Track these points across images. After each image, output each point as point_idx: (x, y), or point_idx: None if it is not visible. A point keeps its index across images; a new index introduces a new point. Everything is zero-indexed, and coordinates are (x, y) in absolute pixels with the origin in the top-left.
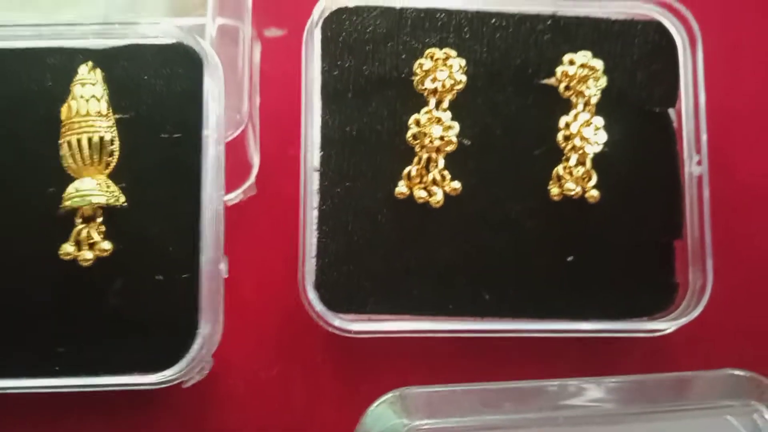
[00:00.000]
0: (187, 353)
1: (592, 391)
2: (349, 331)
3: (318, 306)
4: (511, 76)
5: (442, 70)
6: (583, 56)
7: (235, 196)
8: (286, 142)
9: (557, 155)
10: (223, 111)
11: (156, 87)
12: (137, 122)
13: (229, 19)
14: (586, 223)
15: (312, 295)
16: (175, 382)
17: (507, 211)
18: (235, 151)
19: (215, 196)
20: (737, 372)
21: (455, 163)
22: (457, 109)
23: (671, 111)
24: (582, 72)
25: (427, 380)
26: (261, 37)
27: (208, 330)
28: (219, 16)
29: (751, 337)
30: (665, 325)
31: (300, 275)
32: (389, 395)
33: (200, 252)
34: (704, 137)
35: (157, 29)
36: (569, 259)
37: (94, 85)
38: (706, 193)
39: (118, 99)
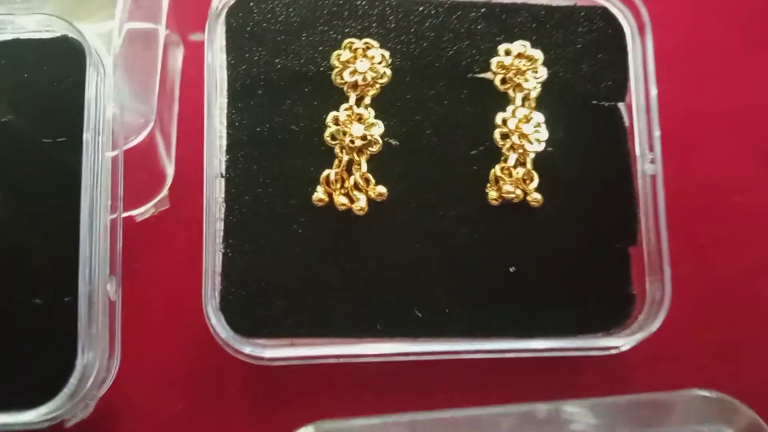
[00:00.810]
0: (65, 387)
1: (538, 419)
2: (263, 359)
3: (222, 331)
4: (442, 69)
5: (363, 62)
6: (521, 46)
7: (145, 210)
8: None
9: (496, 155)
10: (119, 113)
11: (37, 86)
12: (15, 126)
13: (143, 21)
14: (529, 230)
15: (215, 319)
16: (55, 421)
17: (440, 219)
18: (145, 160)
19: (101, 208)
20: (704, 393)
21: (381, 165)
22: (382, 106)
23: (621, 105)
24: (519, 63)
25: (354, 411)
26: (185, 42)
27: (89, 360)
28: (132, 18)
29: (714, 352)
30: (621, 341)
31: (204, 297)
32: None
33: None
34: (657, 133)
35: (39, 22)
36: (511, 270)
37: None
38: (661, 195)
39: None
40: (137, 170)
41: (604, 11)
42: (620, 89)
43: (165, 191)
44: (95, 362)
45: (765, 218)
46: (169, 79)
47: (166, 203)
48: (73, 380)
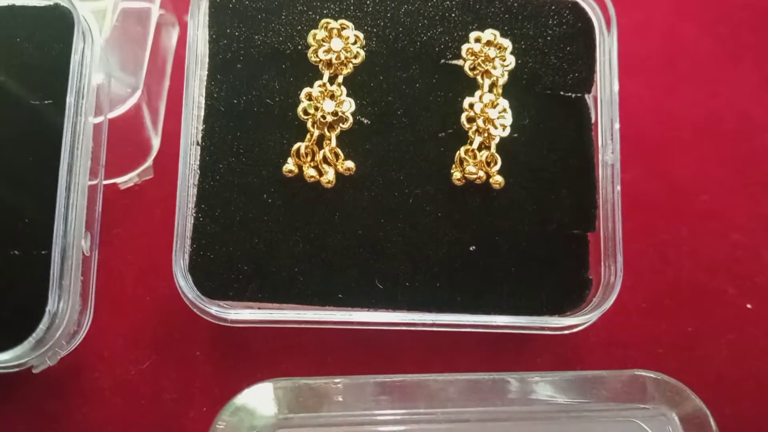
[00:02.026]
0: (33, 333)
1: (487, 389)
2: (226, 320)
3: (189, 292)
4: (416, 53)
5: (337, 41)
6: (491, 34)
7: (129, 179)
8: None
9: (463, 139)
10: (107, 82)
11: (28, 51)
12: (6, 87)
13: (137, 1)
14: (490, 211)
15: (183, 280)
16: (24, 366)
17: (405, 196)
18: (131, 131)
19: (80, 168)
20: (652, 374)
21: (352, 142)
22: (356, 86)
23: (588, 97)
24: (488, 51)
25: (314, 374)
26: (181, 23)
27: (60, 309)
28: None
29: (670, 341)
30: (575, 321)
31: (174, 259)
32: (254, 387)
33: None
34: (616, 125)
35: None
36: (471, 248)
37: None
38: (618, 184)
39: None
40: (123, 140)
41: (575, 6)
42: (586, 82)
43: (149, 162)
44: (66, 313)
45: (728, 217)
46: (161, 57)
47: (150, 173)
48: (42, 326)
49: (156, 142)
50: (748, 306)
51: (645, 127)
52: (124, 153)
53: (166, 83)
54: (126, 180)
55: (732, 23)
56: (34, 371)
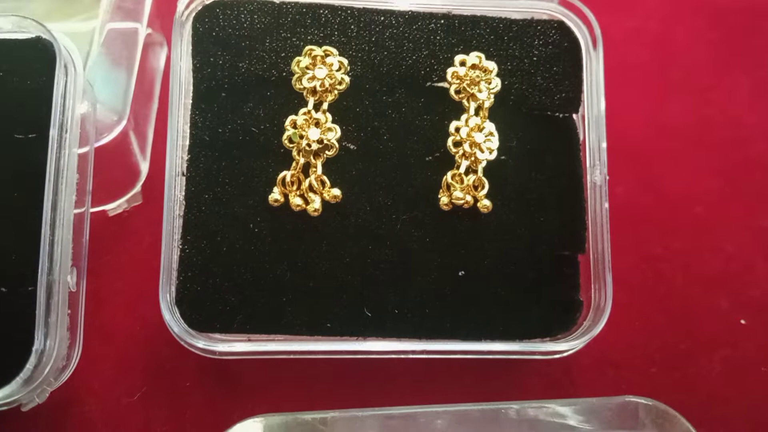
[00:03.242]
0: (21, 372)
1: (478, 420)
2: (214, 353)
3: (175, 326)
4: (401, 77)
5: (321, 68)
6: (476, 57)
7: (117, 205)
8: None
9: (450, 163)
10: (92, 111)
11: (10, 84)
12: None
13: (125, 21)
14: (479, 236)
15: (168, 314)
16: (12, 405)
17: (393, 222)
18: (119, 157)
19: (65, 202)
20: (640, 400)
21: (338, 169)
22: (341, 111)
23: (575, 117)
24: (474, 74)
25: (303, 405)
26: (169, 42)
27: (47, 347)
28: (115, 18)
29: (662, 361)
30: (565, 346)
31: (160, 292)
32: (245, 423)
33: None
34: (603, 145)
35: (14, 23)
36: (460, 273)
37: None
38: (606, 204)
39: None
40: (111, 167)
41: (561, 25)
42: (574, 101)
43: (138, 188)
44: (53, 350)
45: (722, 230)
46: (149, 79)
47: (138, 199)
48: (29, 366)
49: (144, 167)
50: (742, 321)
51: (637, 138)
52: (111, 179)
53: (155, 106)
54: (114, 207)
55: (724, 30)
56: (23, 409)
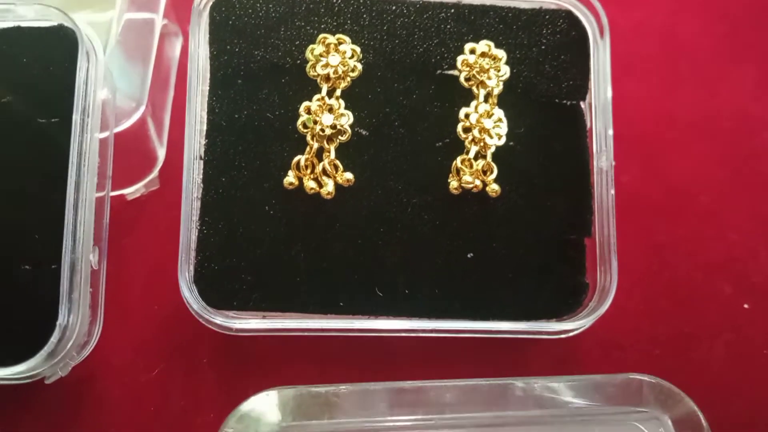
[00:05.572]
0: (45, 346)
1: (486, 395)
2: (231, 330)
3: (194, 303)
4: (412, 65)
5: (334, 56)
6: (485, 45)
7: (135, 190)
8: None
9: (459, 148)
10: (111, 97)
11: (34, 71)
12: (13, 106)
13: (141, 12)
14: (487, 219)
15: (188, 292)
16: (36, 378)
17: (404, 205)
18: (137, 143)
19: (87, 184)
20: (645, 378)
21: (351, 153)
22: (354, 98)
23: (582, 104)
24: (483, 62)
25: (317, 382)
26: (184, 32)
27: (70, 322)
28: (131, 8)
29: (666, 343)
30: (571, 326)
31: (179, 270)
32: (259, 395)
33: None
34: (610, 132)
35: (37, 12)
36: (469, 255)
37: None
38: (611, 190)
39: None
40: (129, 152)
41: (569, 14)
42: (581, 89)
43: (155, 173)
44: (76, 325)
45: (727, 218)
46: (165, 67)
47: (156, 184)
48: (53, 340)
49: (161, 153)
50: (746, 306)
51: (643, 127)
52: (130, 165)
53: (171, 94)
54: (133, 191)
55: (731, 22)
56: (47, 382)
